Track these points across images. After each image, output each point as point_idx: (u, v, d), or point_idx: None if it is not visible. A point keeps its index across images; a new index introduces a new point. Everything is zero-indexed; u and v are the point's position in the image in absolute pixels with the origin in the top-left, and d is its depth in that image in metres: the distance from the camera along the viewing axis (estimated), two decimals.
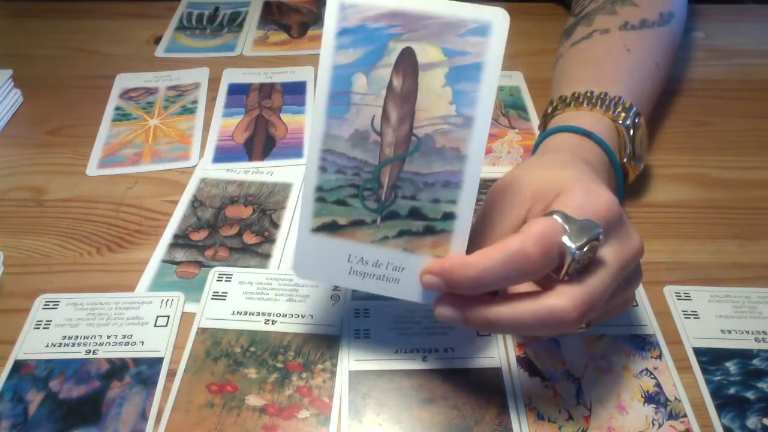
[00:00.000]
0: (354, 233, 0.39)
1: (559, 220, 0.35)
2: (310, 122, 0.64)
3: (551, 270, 0.35)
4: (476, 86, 0.36)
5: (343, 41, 0.37)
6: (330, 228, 0.39)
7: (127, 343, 0.44)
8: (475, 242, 0.38)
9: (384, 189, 0.38)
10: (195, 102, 0.67)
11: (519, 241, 0.34)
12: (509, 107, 0.65)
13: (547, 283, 0.36)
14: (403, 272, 0.39)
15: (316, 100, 0.38)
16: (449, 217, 0.38)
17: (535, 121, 0.63)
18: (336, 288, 0.48)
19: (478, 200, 0.38)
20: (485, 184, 0.53)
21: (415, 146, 0.37)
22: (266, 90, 0.68)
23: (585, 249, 0.34)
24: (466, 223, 0.38)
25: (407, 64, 0.37)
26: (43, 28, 0.77)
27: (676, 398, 0.41)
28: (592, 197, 0.37)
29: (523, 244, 0.34)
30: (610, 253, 0.36)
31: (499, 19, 0.36)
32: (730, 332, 0.45)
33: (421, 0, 0.36)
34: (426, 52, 0.37)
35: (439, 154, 0.37)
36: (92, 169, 0.59)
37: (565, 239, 0.34)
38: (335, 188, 0.38)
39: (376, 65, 0.37)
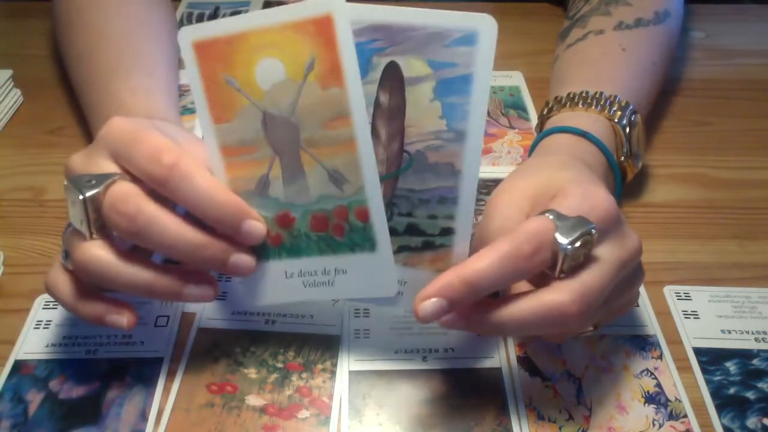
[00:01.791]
0: None
1: (551, 218, 0.35)
2: None
3: (546, 268, 0.35)
4: (467, 99, 0.35)
5: None
6: None
7: (127, 343, 0.44)
8: (477, 249, 0.38)
9: None
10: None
11: (511, 240, 0.35)
12: (509, 107, 0.65)
13: (544, 282, 0.36)
14: (405, 286, 0.38)
15: None
16: (448, 232, 0.37)
17: (535, 121, 0.63)
18: None
19: (479, 199, 0.37)
20: (485, 184, 0.53)
21: (408, 163, 0.37)
22: None
23: (577, 244, 0.34)
24: (465, 238, 0.37)
25: (393, 79, 0.36)
26: (43, 28, 0.77)
27: (676, 398, 0.41)
28: (587, 198, 0.37)
29: (514, 242, 0.34)
30: (606, 251, 0.36)
31: (486, 25, 0.34)
32: (730, 332, 0.45)
33: (402, 11, 0.35)
34: (411, 66, 0.36)
35: (433, 171, 0.37)
36: None
37: (557, 236, 0.34)
38: None
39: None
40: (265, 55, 0.36)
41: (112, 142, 0.38)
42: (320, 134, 0.36)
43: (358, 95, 0.35)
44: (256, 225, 0.37)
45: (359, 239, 0.38)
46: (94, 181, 0.36)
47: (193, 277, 0.38)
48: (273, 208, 0.38)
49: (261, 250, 0.39)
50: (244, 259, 0.38)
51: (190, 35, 0.36)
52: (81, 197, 0.35)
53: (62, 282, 0.39)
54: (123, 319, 0.38)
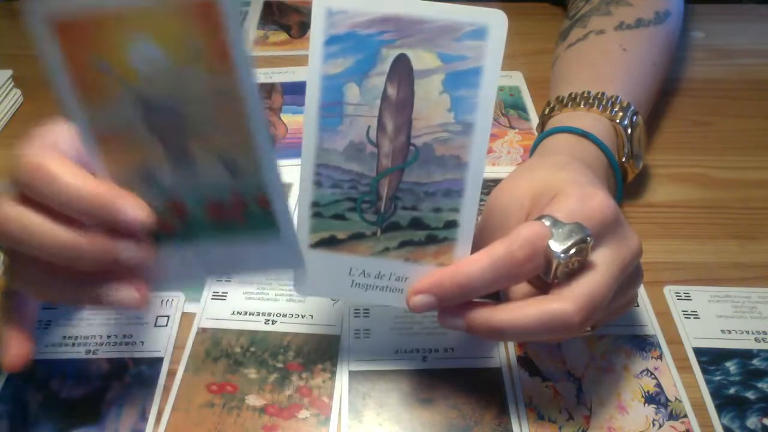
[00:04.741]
0: (354, 246, 0.38)
1: (547, 224, 0.35)
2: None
3: (541, 273, 0.35)
4: (475, 92, 0.36)
5: (331, 50, 0.36)
6: (329, 243, 0.38)
7: (127, 343, 0.44)
8: (477, 249, 0.38)
9: (383, 201, 0.38)
10: None
11: (506, 245, 0.35)
12: (509, 107, 0.65)
13: (542, 285, 0.36)
14: (406, 282, 0.38)
15: (307, 113, 0.37)
16: (451, 225, 0.37)
17: (535, 121, 0.63)
18: None
19: (479, 202, 0.37)
20: (485, 185, 0.53)
21: (414, 156, 0.37)
22: (266, 90, 0.68)
23: (571, 252, 0.34)
24: (468, 231, 0.37)
25: (402, 71, 0.36)
26: None
27: (676, 398, 0.41)
28: (585, 200, 0.37)
29: (509, 248, 0.34)
30: (607, 254, 0.36)
31: (496, 20, 0.35)
32: (730, 332, 0.45)
33: (414, 3, 0.35)
34: (421, 59, 0.36)
35: (439, 163, 0.37)
36: None
37: (551, 243, 0.34)
38: (332, 203, 0.38)
39: (368, 74, 0.36)
40: (141, 37, 0.32)
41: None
42: (208, 122, 0.33)
43: (248, 80, 0.32)
44: (136, 206, 0.33)
45: (261, 224, 0.35)
46: None
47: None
48: (162, 198, 0.35)
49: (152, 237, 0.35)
50: (135, 250, 0.34)
51: (45, 12, 0.32)
52: None
53: None
54: None
